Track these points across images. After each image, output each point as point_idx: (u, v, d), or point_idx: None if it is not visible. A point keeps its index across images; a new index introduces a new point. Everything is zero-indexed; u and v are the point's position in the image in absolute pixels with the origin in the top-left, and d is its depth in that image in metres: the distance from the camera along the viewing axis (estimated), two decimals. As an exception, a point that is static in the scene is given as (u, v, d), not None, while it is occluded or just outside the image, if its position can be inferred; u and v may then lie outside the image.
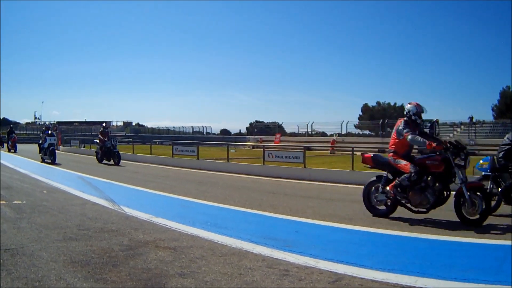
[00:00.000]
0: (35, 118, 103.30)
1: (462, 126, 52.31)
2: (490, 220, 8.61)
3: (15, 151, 36.48)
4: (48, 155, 24.73)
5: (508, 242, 7.01)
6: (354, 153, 17.99)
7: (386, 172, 9.60)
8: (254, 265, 5.53)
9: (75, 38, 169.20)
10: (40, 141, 26.49)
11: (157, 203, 11.48)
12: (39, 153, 26.39)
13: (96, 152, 27.22)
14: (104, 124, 27.80)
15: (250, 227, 8.35)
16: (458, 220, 8.42)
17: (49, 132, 25.80)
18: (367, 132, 64.13)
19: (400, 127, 9.21)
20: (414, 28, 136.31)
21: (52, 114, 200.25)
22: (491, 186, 9.80)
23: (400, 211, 9.30)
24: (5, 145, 40.63)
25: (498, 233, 7.77)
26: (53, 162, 24.13)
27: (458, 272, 5.35)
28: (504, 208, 10.14)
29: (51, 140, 25.12)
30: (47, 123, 29.49)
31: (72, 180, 16.02)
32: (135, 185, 14.84)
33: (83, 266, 5.35)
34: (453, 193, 8.84)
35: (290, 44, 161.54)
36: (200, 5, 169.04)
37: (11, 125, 43.33)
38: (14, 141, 38.40)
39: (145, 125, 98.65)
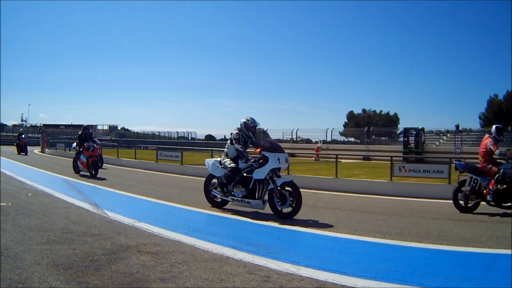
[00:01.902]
0: (22, 120, 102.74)
1: (448, 134, 52.58)
2: (476, 228, 8.74)
3: (94, 175, 19.13)
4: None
5: (493, 251, 7.13)
6: (339, 160, 18.11)
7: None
8: (235, 271, 5.56)
9: (63, 44, 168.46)
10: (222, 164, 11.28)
11: (140, 207, 11.44)
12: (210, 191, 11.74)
13: None
14: None
15: (232, 233, 8.41)
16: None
17: (253, 137, 11.53)
18: (352, 139, 64.32)
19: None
20: (401, 36, 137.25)
21: (38, 117, 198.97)
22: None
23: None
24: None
25: (483, 241, 7.85)
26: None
27: (441, 280, 5.40)
28: (489, 216, 10.29)
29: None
30: (248, 119, 11.33)
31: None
32: (119, 189, 14.84)
33: (66, 269, 5.35)
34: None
35: (276, 51, 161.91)
36: (188, 12, 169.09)
37: (88, 127, 23.34)
38: (94, 158, 19.65)
39: (131, 130, 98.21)
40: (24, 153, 39.10)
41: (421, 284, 5.24)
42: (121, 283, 4.95)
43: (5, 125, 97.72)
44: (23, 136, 41.68)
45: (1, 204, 10.30)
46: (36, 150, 41.85)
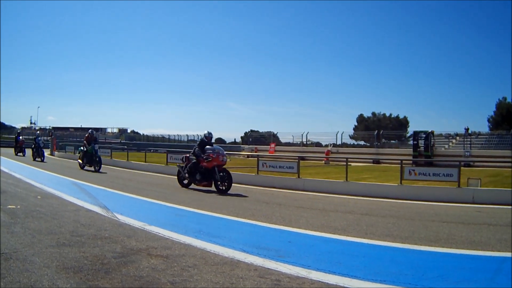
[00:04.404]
0: (31, 123, 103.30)
1: (458, 137, 52.42)
2: (485, 231, 8.70)
3: None
4: None
5: (502, 254, 7.09)
6: (349, 163, 18.06)
7: None
8: (246, 275, 5.54)
9: (71, 46, 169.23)
10: None
11: (150, 211, 11.46)
12: None
13: None
14: None
15: (243, 236, 8.38)
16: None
17: None
18: (362, 142, 64.29)
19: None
20: (410, 39, 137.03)
21: (47, 120, 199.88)
22: None
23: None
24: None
25: (492, 244, 7.81)
26: None
27: (451, 283, 5.40)
28: (498, 219, 10.24)
29: None
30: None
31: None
32: (129, 192, 14.83)
33: (76, 273, 5.35)
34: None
35: (286, 54, 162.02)
36: (195, 15, 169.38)
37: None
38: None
39: (140, 133, 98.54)
40: (22, 154, 38.69)
41: (430, 287, 5.22)
42: (131, 287, 4.94)
43: (14, 127, 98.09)
44: (20, 137, 41.68)
45: (10, 206, 10.34)
46: (46, 153, 41.74)
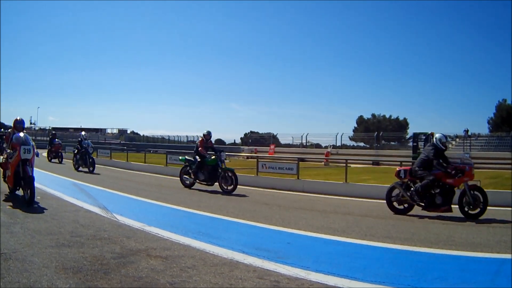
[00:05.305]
0: (31, 123, 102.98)
1: (457, 139, 52.36)
2: (485, 233, 8.71)
3: None
4: None
5: (501, 256, 7.09)
6: (348, 165, 18.04)
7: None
8: (245, 276, 5.54)
9: (71, 46, 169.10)
10: None
11: (149, 211, 11.44)
12: None
13: None
14: None
15: (242, 237, 8.36)
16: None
17: None
18: (361, 144, 64.25)
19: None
20: (410, 40, 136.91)
21: (48, 120, 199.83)
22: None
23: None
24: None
25: (491, 246, 7.82)
26: None
27: (450, 285, 5.44)
28: (498, 221, 10.23)
29: None
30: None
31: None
32: (128, 193, 14.83)
33: (75, 273, 5.35)
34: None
35: (287, 56, 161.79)
36: (197, 15, 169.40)
37: None
38: None
39: (140, 134, 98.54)
40: (58, 161, 31.94)
41: (430, 288, 5.22)
42: (130, 287, 4.94)
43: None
44: (56, 140, 33.86)
45: (10, 207, 10.32)
46: (45, 153, 41.53)
